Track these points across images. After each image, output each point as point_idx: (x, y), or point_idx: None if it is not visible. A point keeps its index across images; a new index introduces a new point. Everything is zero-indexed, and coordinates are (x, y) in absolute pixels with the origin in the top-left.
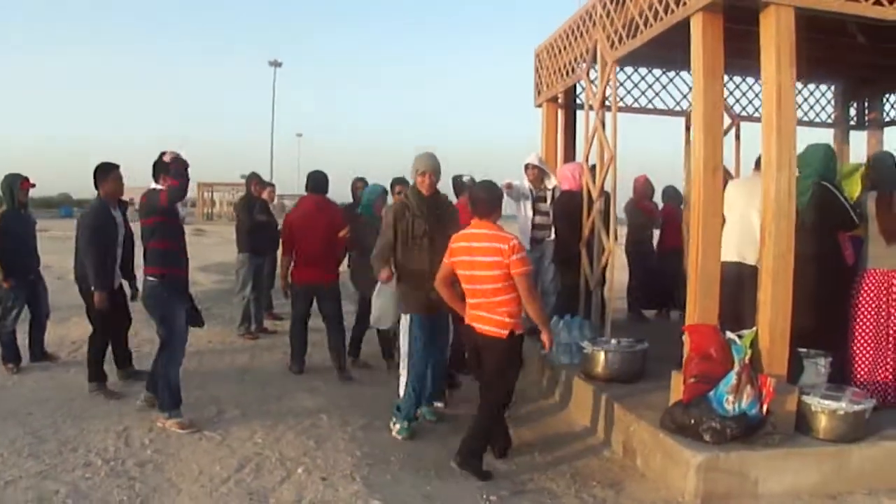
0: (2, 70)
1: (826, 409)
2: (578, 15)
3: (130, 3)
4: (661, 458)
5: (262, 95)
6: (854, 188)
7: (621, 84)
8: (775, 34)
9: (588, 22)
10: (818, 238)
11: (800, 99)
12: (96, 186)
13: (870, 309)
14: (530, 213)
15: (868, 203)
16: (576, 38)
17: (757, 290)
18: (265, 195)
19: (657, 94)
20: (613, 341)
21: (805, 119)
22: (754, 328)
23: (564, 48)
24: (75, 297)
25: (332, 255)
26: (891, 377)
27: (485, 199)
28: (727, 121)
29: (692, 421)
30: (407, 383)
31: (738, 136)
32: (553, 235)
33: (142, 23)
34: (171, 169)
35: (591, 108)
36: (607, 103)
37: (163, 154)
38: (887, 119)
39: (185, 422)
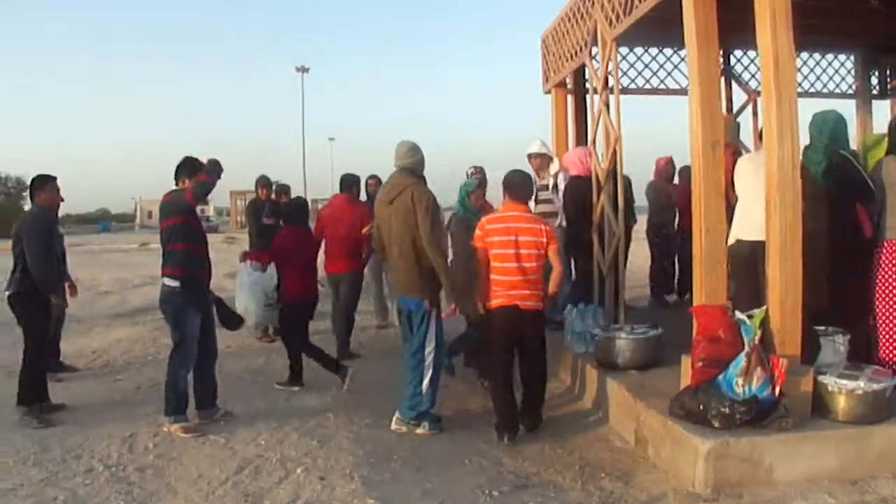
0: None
1: (843, 389)
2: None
3: (161, 21)
4: (671, 447)
5: (293, 101)
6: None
7: (632, 65)
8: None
9: (588, 2)
10: (835, 210)
11: (819, 70)
12: (32, 198)
13: (893, 281)
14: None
15: (886, 170)
16: (577, 21)
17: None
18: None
19: (669, 74)
20: (627, 328)
21: (825, 90)
22: (765, 307)
23: (568, 31)
24: (99, 308)
25: (354, 247)
26: None
27: (521, 185)
28: (744, 96)
29: (701, 406)
30: (431, 379)
31: (755, 112)
32: (563, 223)
33: (173, 37)
34: (205, 166)
35: (595, 90)
36: (611, 84)
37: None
38: None
39: (189, 426)
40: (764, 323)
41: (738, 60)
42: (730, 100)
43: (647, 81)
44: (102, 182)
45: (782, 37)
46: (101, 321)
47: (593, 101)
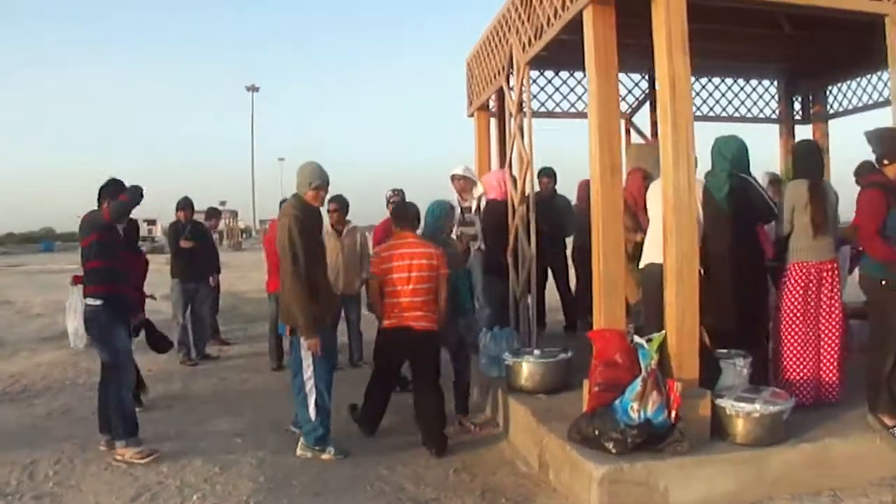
0: None
1: (740, 412)
2: (496, 20)
3: (110, 37)
4: (569, 472)
5: (242, 121)
6: None
7: (557, 89)
8: (665, 21)
9: (504, 27)
10: (738, 232)
11: (743, 95)
12: None
13: (798, 304)
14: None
15: (791, 193)
16: (496, 45)
17: None
18: (209, 224)
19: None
20: (536, 352)
21: (749, 115)
22: (663, 331)
23: (488, 55)
24: (27, 332)
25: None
26: (822, 374)
27: (410, 214)
28: None
29: (596, 431)
30: (317, 405)
31: None
32: (482, 246)
33: (122, 54)
34: (127, 189)
35: (510, 114)
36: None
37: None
38: (831, 111)
39: (144, 451)
40: (661, 347)
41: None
42: (654, 124)
43: (573, 105)
44: (48, 200)
45: (678, 61)
46: (27, 345)
47: (509, 125)
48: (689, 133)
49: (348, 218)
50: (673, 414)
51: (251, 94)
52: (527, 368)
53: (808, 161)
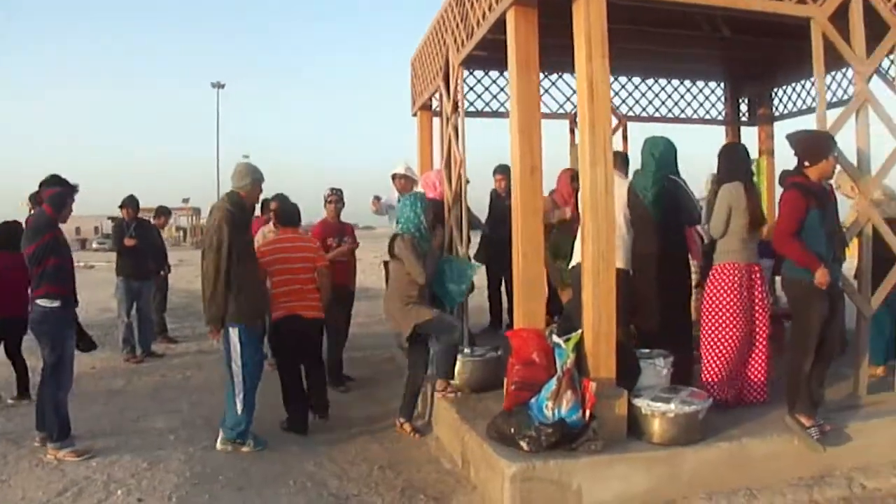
0: None
1: (656, 411)
2: (435, 21)
3: (74, 35)
4: (485, 469)
5: (207, 117)
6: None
7: (502, 89)
8: (585, 24)
9: (442, 27)
10: (665, 234)
11: (689, 97)
12: None
13: (728, 304)
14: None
15: (729, 195)
16: (435, 45)
17: (625, 293)
18: (157, 221)
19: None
20: (466, 350)
21: (696, 117)
22: (579, 331)
23: (428, 56)
24: None
25: None
26: (749, 374)
27: (294, 213)
28: (614, 121)
29: (512, 430)
30: (244, 399)
31: (625, 137)
32: None
33: (86, 52)
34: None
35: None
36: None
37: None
38: (776, 114)
39: (79, 449)
40: (579, 347)
41: (609, 86)
42: None
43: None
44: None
45: (597, 62)
46: None
47: (445, 125)
48: (607, 134)
49: None
50: (587, 413)
51: (216, 90)
52: (456, 367)
53: (739, 164)
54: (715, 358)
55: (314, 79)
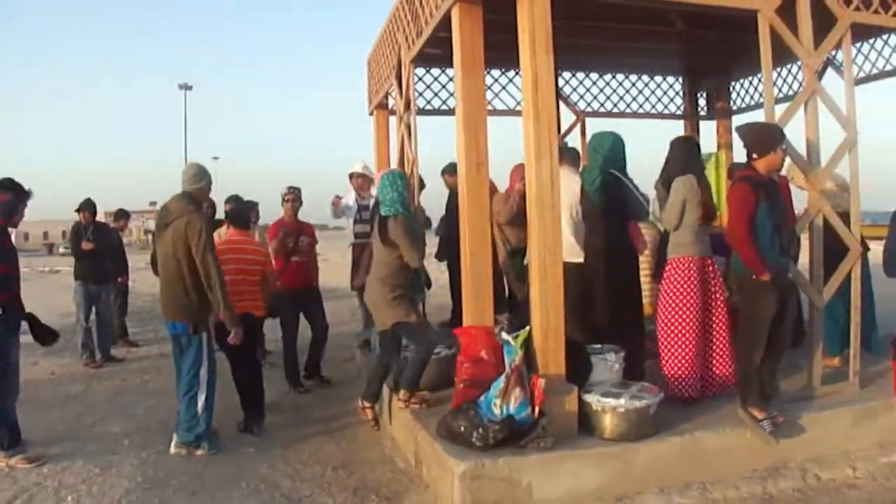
0: None
1: (606, 406)
2: (388, 19)
3: (38, 36)
4: (436, 468)
5: (175, 120)
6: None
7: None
8: (529, 20)
9: (394, 25)
10: (610, 228)
11: (647, 91)
12: None
13: (683, 298)
14: (351, 223)
15: (683, 188)
16: (388, 43)
17: (574, 287)
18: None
19: (496, 95)
20: None
21: (654, 112)
22: (528, 327)
23: (383, 54)
24: None
25: None
26: (710, 369)
27: (246, 214)
28: (572, 117)
29: (461, 428)
30: (206, 401)
31: (584, 133)
32: None
33: (52, 54)
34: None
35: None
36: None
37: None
38: (735, 107)
39: (31, 456)
40: (528, 344)
41: (567, 82)
42: (557, 120)
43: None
44: None
45: (542, 57)
46: None
47: (398, 123)
48: (552, 129)
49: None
50: (536, 410)
51: (184, 92)
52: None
53: (691, 157)
54: (673, 353)
55: (285, 77)
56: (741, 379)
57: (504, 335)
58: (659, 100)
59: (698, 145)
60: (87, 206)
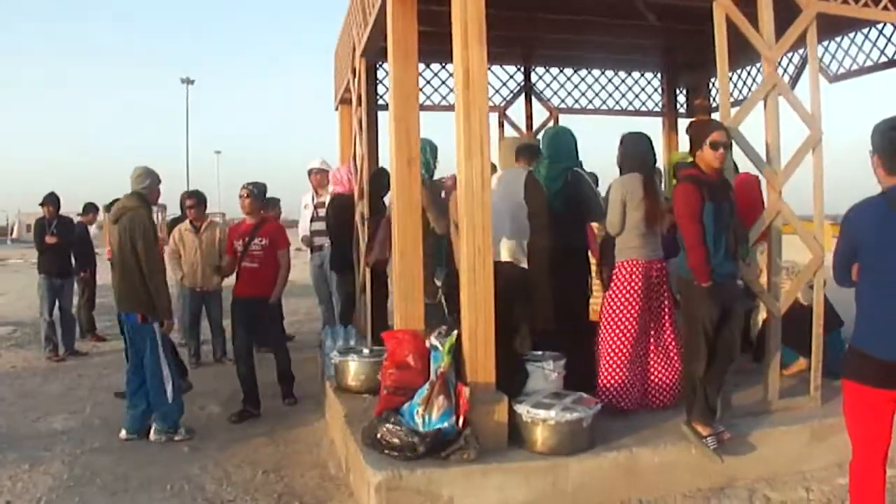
0: None
1: (535, 418)
2: (347, 13)
3: (39, 27)
4: (358, 476)
5: (177, 113)
6: None
7: (428, 81)
8: (461, 11)
9: (350, 19)
10: (564, 227)
11: (624, 88)
12: None
13: (625, 304)
14: (307, 220)
15: (623, 188)
16: (347, 37)
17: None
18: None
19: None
20: (366, 351)
21: (631, 108)
22: (455, 333)
23: (343, 48)
24: None
25: None
26: (651, 379)
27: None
28: (545, 113)
29: (381, 436)
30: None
31: None
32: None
33: (52, 44)
34: None
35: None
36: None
37: None
38: (714, 104)
39: None
40: (457, 350)
41: (541, 77)
42: (530, 117)
43: (445, 98)
44: None
45: (474, 50)
46: None
47: (352, 118)
48: (484, 124)
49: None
50: (460, 420)
51: (186, 86)
52: (352, 367)
53: (640, 154)
54: (611, 361)
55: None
56: (686, 392)
57: (433, 339)
58: (636, 96)
59: (650, 142)
60: (51, 200)
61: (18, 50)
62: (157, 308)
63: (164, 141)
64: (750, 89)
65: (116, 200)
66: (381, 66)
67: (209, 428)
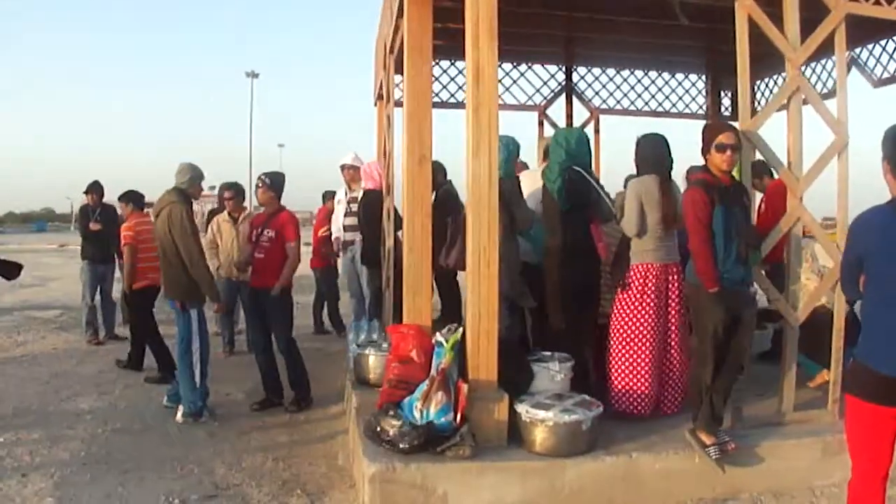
0: None
1: (534, 418)
2: (381, 12)
3: (109, 20)
4: (358, 468)
5: (242, 106)
6: None
7: (452, 79)
8: (473, 8)
9: (382, 18)
10: (571, 229)
11: (668, 90)
12: None
13: (637, 308)
14: (341, 216)
15: (639, 190)
16: (380, 35)
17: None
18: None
19: (507, 89)
20: (385, 345)
21: (674, 110)
22: (460, 330)
23: (379, 45)
24: None
25: None
26: (666, 385)
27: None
28: (586, 113)
29: (380, 428)
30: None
31: (597, 130)
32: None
33: (121, 37)
34: None
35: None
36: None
37: None
38: (759, 107)
39: None
40: (461, 347)
41: (582, 77)
42: (570, 116)
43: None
44: (50, 181)
45: (485, 47)
46: None
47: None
48: (493, 122)
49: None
50: (458, 416)
51: (251, 80)
52: (370, 361)
53: (657, 156)
54: (622, 365)
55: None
56: (692, 399)
57: (438, 335)
58: (680, 98)
59: (667, 144)
60: (95, 189)
61: (97, 52)
62: (194, 295)
63: (230, 134)
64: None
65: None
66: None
67: (232, 414)
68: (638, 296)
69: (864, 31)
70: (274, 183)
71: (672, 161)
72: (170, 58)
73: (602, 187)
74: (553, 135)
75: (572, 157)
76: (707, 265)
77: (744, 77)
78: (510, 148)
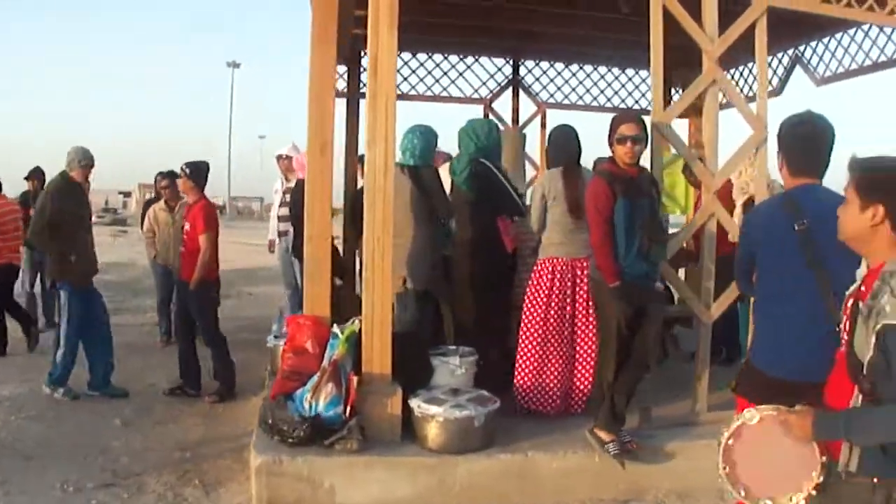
0: None
1: (426, 413)
2: None
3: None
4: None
5: (222, 97)
6: (675, 180)
7: (413, 71)
8: None
9: None
10: (477, 221)
11: (617, 85)
12: None
13: (544, 305)
14: (276, 207)
15: (541, 186)
16: None
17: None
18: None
19: (453, 82)
20: None
21: (623, 105)
22: (356, 322)
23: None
24: None
25: None
26: (574, 383)
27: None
28: (533, 107)
29: (271, 420)
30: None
31: (543, 124)
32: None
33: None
34: None
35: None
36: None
37: None
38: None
39: None
40: (357, 339)
41: (530, 71)
42: (516, 110)
43: (429, 89)
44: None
45: (384, 36)
46: None
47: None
48: (391, 111)
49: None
50: (348, 409)
51: (231, 69)
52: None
53: (563, 147)
54: (524, 361)
55: None
56: (594, 396)
57: (335, 328)
58: (629, 94)
59: (574, 133)
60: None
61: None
62: (62, 275)
63: (209, 125)
64: (751, 87)
65: None
66: (364, 55)
67: (152, 404)
68: (545, 291)
69: (806, 28)
70: (193, 173)
71: (580, 149)
72: (149, 43)
73: (510, 181)
74: (464, 125)
75: (480, 150)
76: (606, 259)
77: (657, 69)
78: (428, 137)
